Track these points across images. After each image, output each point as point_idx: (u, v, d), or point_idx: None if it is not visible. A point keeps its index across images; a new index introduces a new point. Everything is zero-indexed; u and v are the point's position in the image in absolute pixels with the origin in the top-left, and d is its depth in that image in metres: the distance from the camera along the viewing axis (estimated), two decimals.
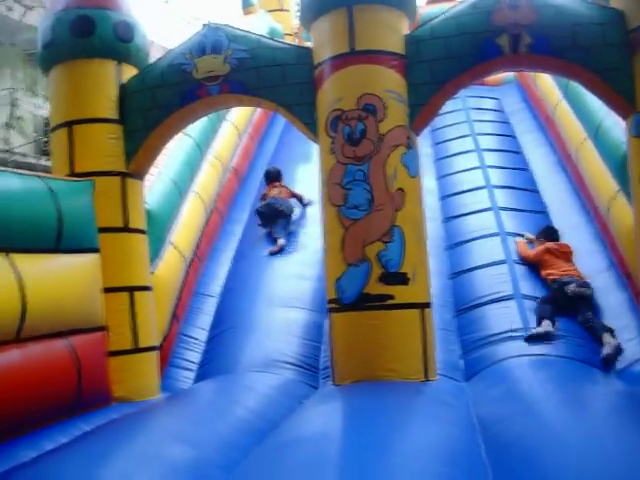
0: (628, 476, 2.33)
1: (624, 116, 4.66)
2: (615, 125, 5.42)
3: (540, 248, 5.85)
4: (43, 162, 16.24)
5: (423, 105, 4.60)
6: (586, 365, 4.69)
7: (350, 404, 3.79)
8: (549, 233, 6.09)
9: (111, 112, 4.98)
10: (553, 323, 5.08)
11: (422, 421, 3.35)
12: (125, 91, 5.04)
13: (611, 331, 4.95)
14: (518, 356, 4.79)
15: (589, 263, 5.85)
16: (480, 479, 2.64)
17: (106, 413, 4.18)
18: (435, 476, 2.52)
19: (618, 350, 4.76)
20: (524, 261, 5.90)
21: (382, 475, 2.45)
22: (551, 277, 5.60)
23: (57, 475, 2.76)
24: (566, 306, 5.30)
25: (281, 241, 6.68)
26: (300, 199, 7.32)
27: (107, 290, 4.64)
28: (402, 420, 3.25)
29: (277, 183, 7.38)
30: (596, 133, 5.92)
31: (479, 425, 3.43)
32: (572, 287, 5.35)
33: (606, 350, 4.75)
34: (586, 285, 5.45)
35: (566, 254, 5.81)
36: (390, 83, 4.54)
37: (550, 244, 5.85)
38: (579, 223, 6.35)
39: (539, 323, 5.10)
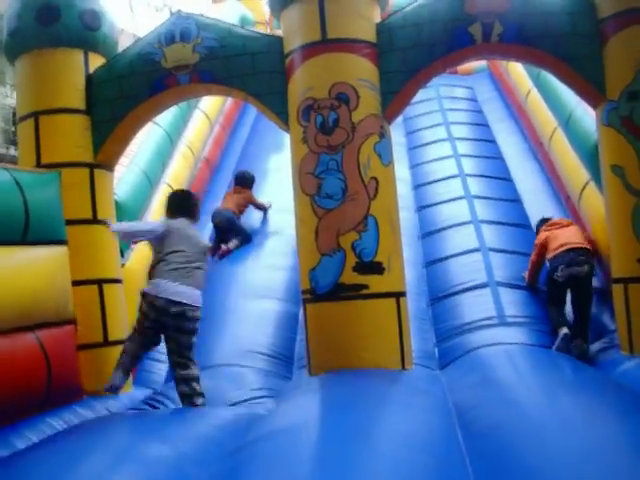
0: (604, 461, 2.33)
1: (594, 105, 4.69)
2: (586, 114, 5.45)
3: (536, 244, 5.42)
4: (12, 152, 15.95)
5: (395, 93, 4.58)
6: (561, 353, 4.72)
7: (326, 394, 3.77)
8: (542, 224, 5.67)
9: (78, 102, 4.89)
10: (566, 324, 4.89)
11: (399, 409, 3.34)
12: (92, 81, 4.95)
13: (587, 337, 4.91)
14: (492, 344, 4.81)
15: None
16: (457, 466, 2.63)
17: (76, 408, 4.12)
18: (413, 464, 2.51)
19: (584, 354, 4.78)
20: (533, 277, 5.41)
21: (360, 464, 2.44)
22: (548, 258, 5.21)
23: (33, 474, 2.70)
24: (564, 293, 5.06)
25: (223, 247, 6.64)
26: (261, 208, 7.15)
27: (76, 283, 4.55)
28: (379, 409, 3.24)
29: (233, 190, 7.17)
30: (567, 122, 5.95)
31: (455, 413, 3.43)
32: (560, 271, 4.99)
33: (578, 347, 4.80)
34: (581, 262, 4.99)
35: (562, 222, 5.44)
36: (362, 72, 4.50)
37: (543, 229, 5.48)
38: (551, 211, 6.38)
39: (556, 333, 4.88)
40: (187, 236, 4.27)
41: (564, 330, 4.82)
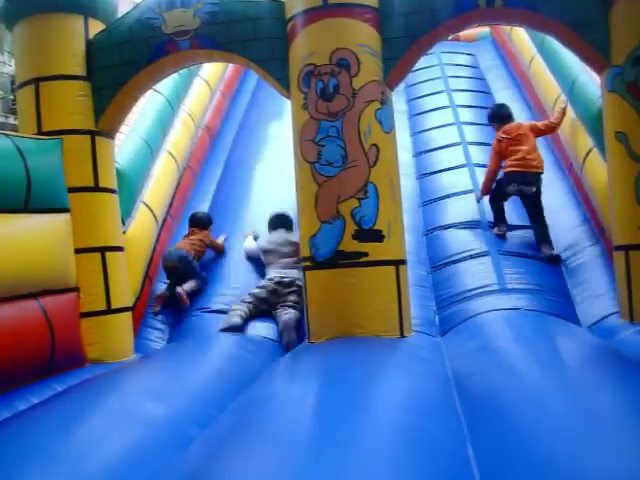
0: (601, 427, 2.35)
1: (599, 71, 4.64)
2: (590, 81, 5.40)
3: (493, 150, 5.84)
4: (12, 121, 15.90)
5: (397, 59, 4.53)
6: (559, 319, 4.75)
7: (325, 360, 3.79)
8: (498, 116, 6.05)
9: (78, 69, 4.84)
10: (506, 224, 5.68)
11: (397, 375, 3.36)
12: (92, 47, 4.90)
13: (549, 243, 5.51)
14: (492, 311, 4.83)
15: (563, 218, 5.90)
16: (455, 431, 2.66)
17: (79, 374, 4.15)
18: (410, 427, 2.54)
19: (555, 259, 5.47)
20: (488, 187, 5.86)
21: (356, 427, 2.46)
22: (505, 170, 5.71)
23: (32, 433, 2.73)
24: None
25: (178, 289, 5.65)
26: (218, 249, 6.20)
27: (78, 251, 4.58)
28: (377, 374, 3.26)
29: (187, 233, 6.20)
30: (571, 89, 5.90)
31: (454, 379, 3.46)
32: (512, 187, 5.57)
33: (546, 253, 5.46)
34: (531, 183, 5.55)
35: (520, 136, 5.71)
36: (364, 37, 4.45)
37: (498, 134, 5.85)
38: (554, 179, 6.37)
39: (496, 224, 5.71)
40: (276, 241, 5.74)
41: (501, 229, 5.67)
